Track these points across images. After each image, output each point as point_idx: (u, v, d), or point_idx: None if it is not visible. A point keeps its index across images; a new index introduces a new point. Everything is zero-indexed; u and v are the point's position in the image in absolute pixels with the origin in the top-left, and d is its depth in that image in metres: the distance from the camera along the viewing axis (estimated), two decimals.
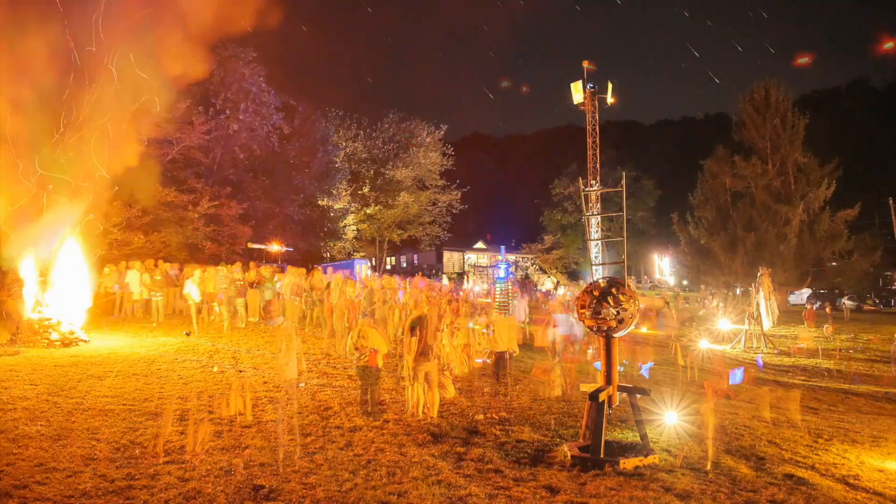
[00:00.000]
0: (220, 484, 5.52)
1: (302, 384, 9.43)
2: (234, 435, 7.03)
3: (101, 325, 14.39)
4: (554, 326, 13.25)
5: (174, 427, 7.09)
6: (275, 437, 7.06)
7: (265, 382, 9.83)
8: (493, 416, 8.77)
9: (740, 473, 6.68)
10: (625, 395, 7.46)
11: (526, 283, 37.45)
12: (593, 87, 29.98)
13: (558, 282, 47.76)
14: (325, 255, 34.61)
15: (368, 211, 38.44)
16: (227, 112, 25.18)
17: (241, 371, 10.65)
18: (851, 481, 6.61)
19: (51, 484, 5.19)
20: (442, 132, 39.22)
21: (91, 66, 13.40)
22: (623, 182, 8.14)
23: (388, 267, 46.46)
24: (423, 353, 8.23)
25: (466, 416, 8.67)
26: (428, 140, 38.81)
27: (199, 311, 14.72)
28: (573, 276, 45.59)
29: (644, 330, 19.86)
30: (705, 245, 38.99)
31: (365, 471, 6.16)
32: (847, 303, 34.93)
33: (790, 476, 6.64)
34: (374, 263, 38.27)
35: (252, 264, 19.08)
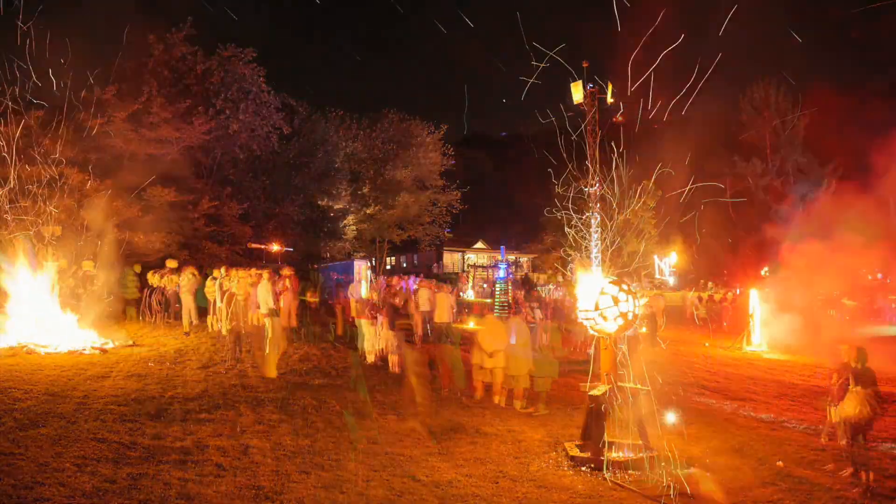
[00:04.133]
0: (221, 485, 5.52)
1: None
2: (234, 435, 7.03)
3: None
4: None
5: (175, 427, 7.10)
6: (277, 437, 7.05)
7: (264, 380, 9.84)
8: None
9: (737, 475, 6.69)
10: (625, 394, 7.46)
11: (525, 283, 37.43)
12: (593, 87, 30.02)
13: (558, 282, 47.68)
14: (325, 255, 34.62)
15: (368, 211, 38.43)
16: (227, 112, 25.18)
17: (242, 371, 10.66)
18: None
19: (51, 484, 5.20)
20: (442, 132, 39.26)
21: None
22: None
23: (388, 267, 46.48)
24: None
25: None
26: (428, 140, 38.80)
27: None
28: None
29: (643, 330, 19.83)
30: (705, 245, 39.06)
31: None
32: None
33: (789, 475, 6.65)
34: (373, 264, 38.28)
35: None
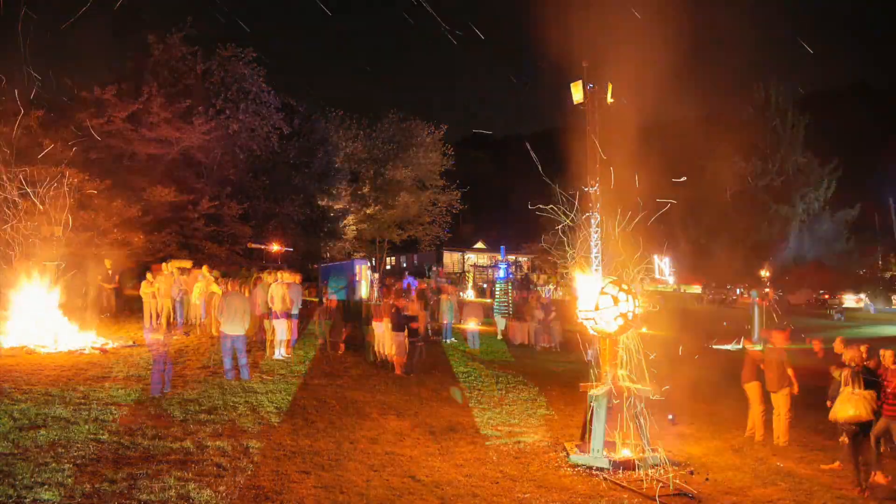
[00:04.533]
0: (221, 485, 5.52)
1: None
2: (234, 435, 7.02)
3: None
4: None
5: (175, 427, 7.09)
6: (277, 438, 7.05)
7: (263, 380, 9.83)
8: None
9: (737, 475, 6.68)
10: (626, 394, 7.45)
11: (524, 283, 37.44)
12: (593, 87, 29.90)
13: (558, 282, 47.71)
14: (325, 255, 34.62)
15: (368, 211, 38.43)
16: (227, 112, 25.16)
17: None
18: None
19: (51, 485, 5.20)
20: (442, 132, 39.29)
21: None
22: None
23: (388, 267, 46.47)
24: None
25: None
26: (428, 140, 38.81)
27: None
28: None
29: (644, 330, 19.84)
30: (706, 245, 39.06)
31: None
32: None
33: (789, 475, 6.65)
34: (373, 264, 38.28)
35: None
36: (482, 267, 46.50)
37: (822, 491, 6.24)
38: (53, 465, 5.65)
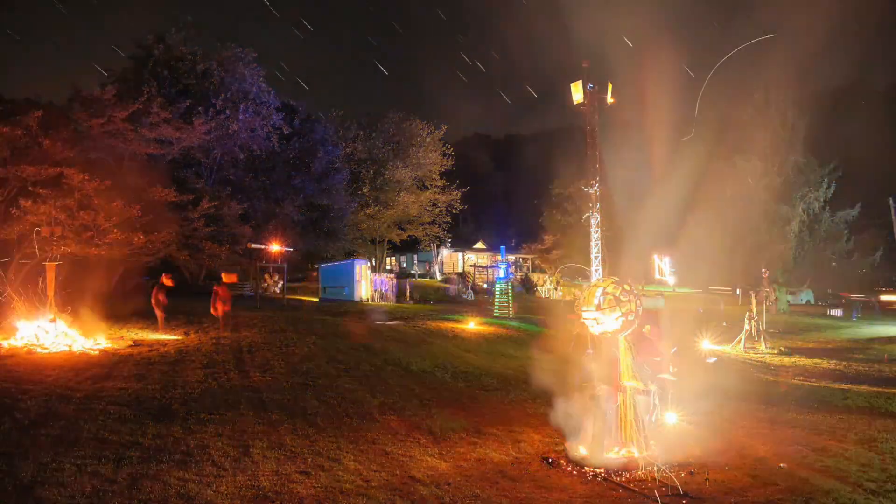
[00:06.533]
0: (221, 485, 5.52)
1: None
2: (235, 435, 7.03)
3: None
4: None
5: (176, 427, 7.10)
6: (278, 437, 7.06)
7: (264, 380, 9.84)
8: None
9: (740, 472, 6.68)
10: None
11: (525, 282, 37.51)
12: (593, 87, 29.99)
13: (558, 282, 47.77)
14: (325, 255, 34.64)
15: (368, 211, 38.46)
16: (227, 112, 25.19)
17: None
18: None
19: (52, 485, 5.20)
20: (442, 132, 39.33)
21: None
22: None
23: (388, 267, 46.48)
24: None
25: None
26: (428, 140, 38.86)
27: None
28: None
29: (644, 330, 19.80)
30: (705, 246, 39.00)
31: None
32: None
33: (789, 475, 6.65)
34: (373, 263, 38.29)
35: None
36: (482, 267, 46.52)
37: (821, 493, 6.24)
38: (54, 465, 5.65)
